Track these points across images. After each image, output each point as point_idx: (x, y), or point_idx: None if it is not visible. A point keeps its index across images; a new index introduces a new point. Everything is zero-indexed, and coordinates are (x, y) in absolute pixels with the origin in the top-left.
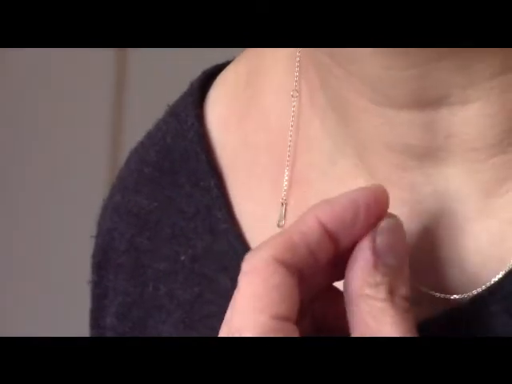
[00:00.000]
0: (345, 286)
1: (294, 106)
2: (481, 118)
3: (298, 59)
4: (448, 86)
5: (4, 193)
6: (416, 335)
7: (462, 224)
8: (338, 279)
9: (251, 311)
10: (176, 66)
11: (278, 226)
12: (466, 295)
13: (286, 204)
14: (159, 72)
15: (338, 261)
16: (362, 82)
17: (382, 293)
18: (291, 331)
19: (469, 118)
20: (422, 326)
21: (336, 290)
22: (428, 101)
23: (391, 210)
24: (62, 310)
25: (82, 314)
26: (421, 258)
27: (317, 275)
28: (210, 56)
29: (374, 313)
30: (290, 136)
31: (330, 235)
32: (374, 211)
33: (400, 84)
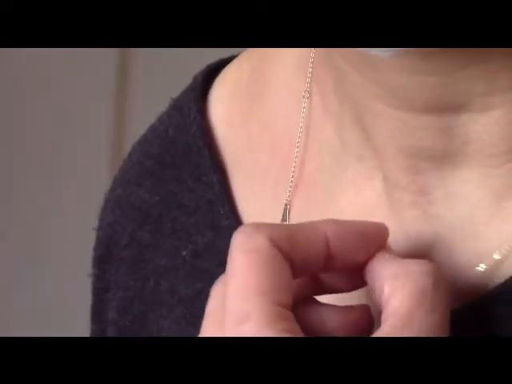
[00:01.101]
0: (374, 286)
1: (304, 107)
2: (500, 126)
3: (311, 60)
4: (470, 93)
5: (5, 187)
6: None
7: (474, 228)
8: (321, 293)
9: (256, 294)
10: (178, 63)
11: None
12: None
13: (290, 205)
14: (161, 69)
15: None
16: (380, 87)
17: (425, 265)
18: (292, 320)
19: (488, 126)
20: None
21: (315, 301)
22: (448, 107)
23: (404, 212)
24: (63, 304)
25: (82, 306)
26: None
27: (303, 283)
28: (211, 54)
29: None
30: (299, 137)
31: (328, 253)
32: (374, 245)
33: (421, 90)
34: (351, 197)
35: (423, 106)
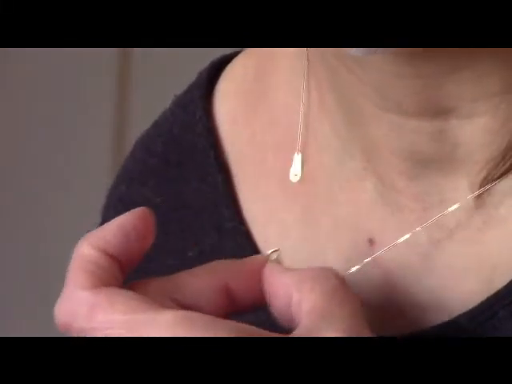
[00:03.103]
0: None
1: (303, 104)
2: (484, 133)
3: (306, 56)
4: (458, 97)
5: (7, 183)
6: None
7: (471, 233)
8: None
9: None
10: (178, 63)
11: None
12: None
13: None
14: (161, 69)
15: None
16: (372, 88)
17: (326, 270)
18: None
19: (474, 132)
20: (430, 332)
21: None
22: (438, 110)
23: (400, 214)
24: None
25: None
26: (430, 266)
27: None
28: (211, 54)
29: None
30: (300, 134)
31: (114, 259)
32: (141, 232)
33: (409, 92)
34: (348, 195)
35: (412, 110)
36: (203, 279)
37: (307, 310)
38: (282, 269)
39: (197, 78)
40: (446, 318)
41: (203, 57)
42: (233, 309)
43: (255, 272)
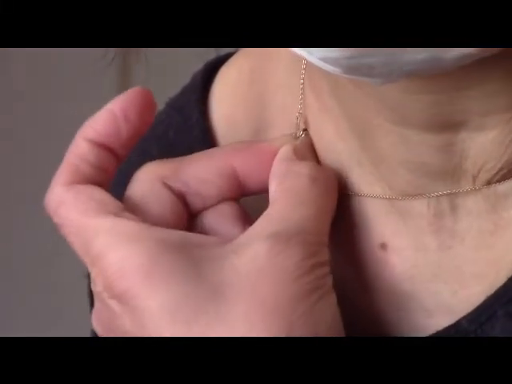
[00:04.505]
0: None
1: (300, 107)
2: (493, 146)
3: (304, 62)
4: (469, 112)
5: (7, 184)
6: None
7: (483, 238)
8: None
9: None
10: (178, 63)
11: None
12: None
13: None
14: (162, 70)
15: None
16: (378, 102)
17: (305, 167)
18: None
19: (483, 144)
20: (433, 337)
21: (231, 205)
22: (447, 124)
23: (411, 223)
24: (62, 303)
25: (82, 307)
26: (439, 272)
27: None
28: (212, 53)
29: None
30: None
31: (105, 148)
32: (134, 115)
33: (418, 107)
34: (356, 200)
35: (422, 124)
36: (206, 163)
37: (266, 212)
38: (286, 155)
39: (191, 81)
40: (452, 323)
41: (203, 57)
42: (240, 193)
43: (268, 154)
